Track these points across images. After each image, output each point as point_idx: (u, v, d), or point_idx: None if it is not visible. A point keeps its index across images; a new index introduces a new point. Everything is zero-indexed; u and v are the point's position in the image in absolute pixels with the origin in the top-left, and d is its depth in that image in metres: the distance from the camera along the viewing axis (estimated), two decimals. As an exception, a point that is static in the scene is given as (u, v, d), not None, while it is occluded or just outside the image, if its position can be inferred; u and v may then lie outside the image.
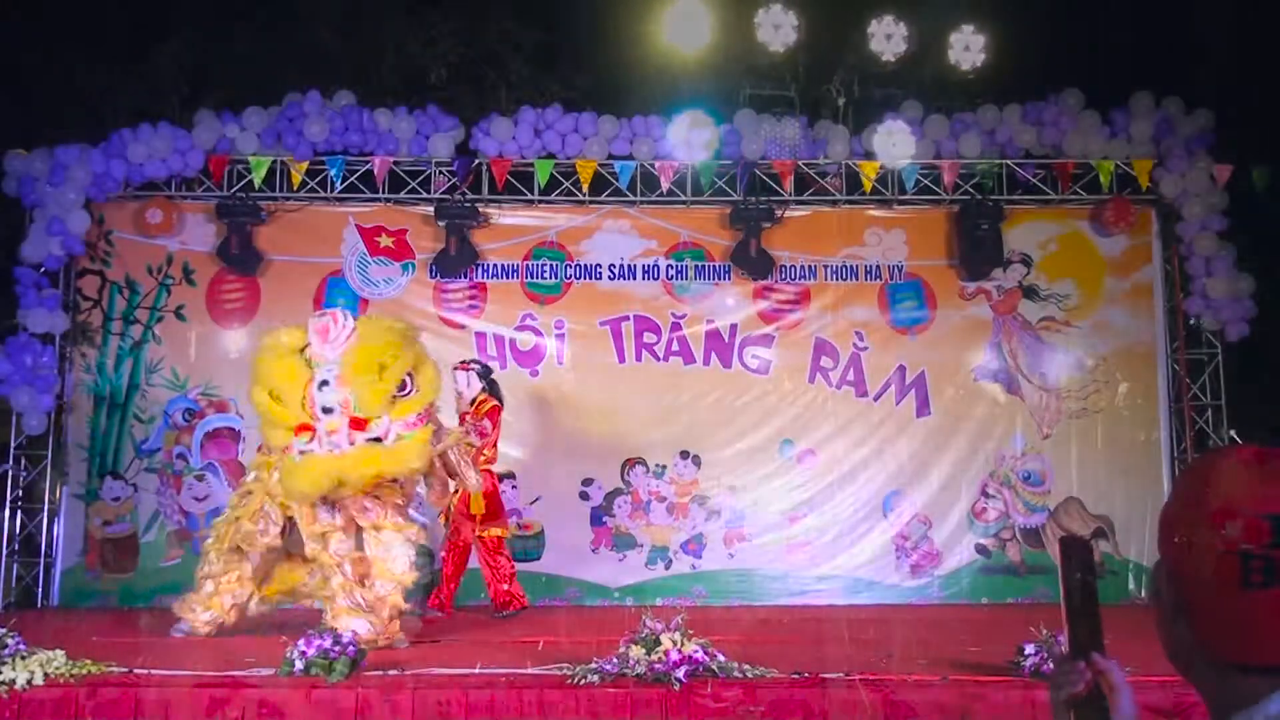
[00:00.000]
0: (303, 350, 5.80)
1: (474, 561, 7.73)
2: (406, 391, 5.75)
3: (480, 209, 9.28)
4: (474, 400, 7.78)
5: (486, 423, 7.67)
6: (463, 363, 7.97)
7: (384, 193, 9.31)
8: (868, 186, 9.18)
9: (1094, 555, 1.58)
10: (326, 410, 5.57)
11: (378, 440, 5.61)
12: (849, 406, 9.35)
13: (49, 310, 8.78)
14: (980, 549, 9.20)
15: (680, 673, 4.23)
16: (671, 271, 9.44)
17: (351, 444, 5.53)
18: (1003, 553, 9.18)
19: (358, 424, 5.58)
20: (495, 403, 7.87)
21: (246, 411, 9.11)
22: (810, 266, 9.47)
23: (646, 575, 9.13)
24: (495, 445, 7.82)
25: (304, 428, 5.58)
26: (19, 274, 8.77)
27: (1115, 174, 9.24)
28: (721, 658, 4.38)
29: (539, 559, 9.00)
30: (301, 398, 5.64)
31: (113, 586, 8.91)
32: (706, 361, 9.37)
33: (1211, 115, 9.14)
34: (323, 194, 9.29)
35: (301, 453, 5.55)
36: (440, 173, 9.28)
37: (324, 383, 5.62)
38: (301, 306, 9.27)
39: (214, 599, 6.34)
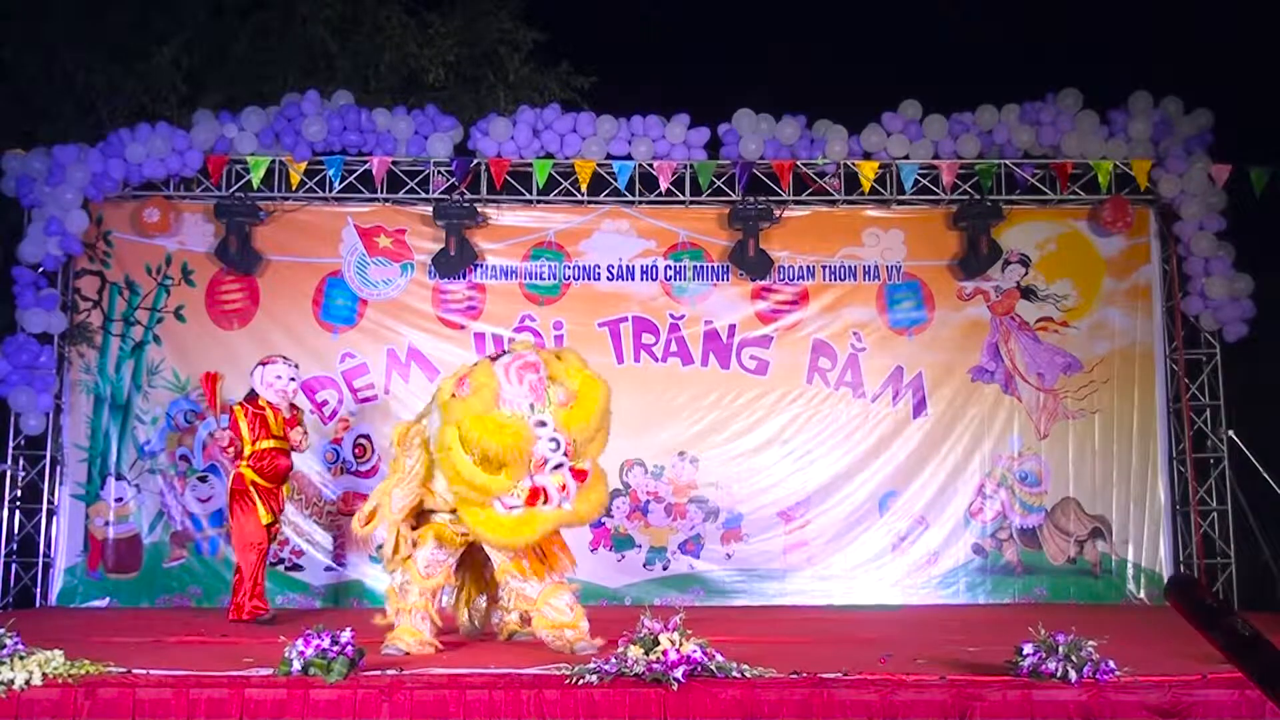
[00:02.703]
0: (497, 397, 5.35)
1: None
2: None
3: (479, 209, 9.29)
4: None
5: None
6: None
7: (382, 193, 9.31)
8: (866, 187, 9.18)
9: (1205, 587, 1.54)
10: (556, 467, 5.28)
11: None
12: (847, 407, 9.35)
13: (47, 310, 8.78)
14: (977, 549, 9.21)
15: (679, 673, 4.22)
16: (670, 272, 9.45)
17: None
18: (1000, 553, 9.19)
19: (580, 475, 5.39)
20: None
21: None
22: (809, 267, 9.47)
23: (645, 575, 9.14)
24: None
25: (536, 494, 5.26)
26: (17, 274, 8.77)
27: (1114, 174, 9.25)
28: (720, 658, 4.37)
29: (537, 559, 8.99)
30: (527, 458, 5.24)
31: (113, 587, 8.91)
32: (705, 362, 9.37)
33: (1210, 115, 9.16)
34: (321, 194, 9.30)
35: (511, 509, 5.26)
36: (439, 173, 9.28)
37: (542, 423, 5.29)
38: (301, 307, 9.31)
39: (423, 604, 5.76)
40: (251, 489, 7.47)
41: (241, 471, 7.48)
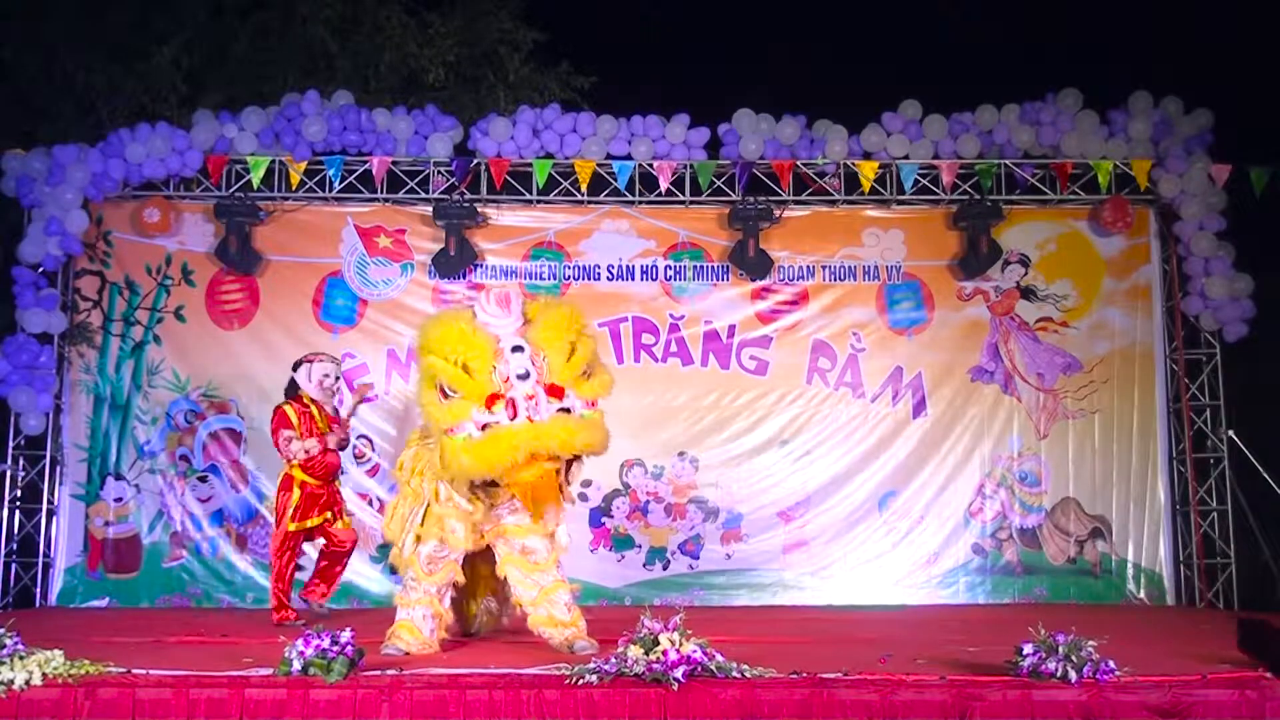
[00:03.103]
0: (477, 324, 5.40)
1: None
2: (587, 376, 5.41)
3: (479, 209, 9.29)
4: None
5: None
6: None
7: (382, 193, 9.31)
8: (866, 187, 9.18)
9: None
10: (522, 376, 5.18)
11: (567, 411, 5.23)
12: (846, 407, 9.36)
13: (47, 310, 8.78)
14: (977, 549, 9.21)
15: (678, 673, 4.22)
16: (670, 272, 9.45)
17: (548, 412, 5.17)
18: (999, 553, 9.19)
19: (554, 391, 5.21)
20: None
21: (248, 413, 9.16)
22: (809, 267, 9.48)
23: (644, 575, 9.14)
24: None
25: (495, 398, 5.14)
26: (17, 274, 8.77)
27: (1114, 174, 9.25)
28: (720, 658, 4.37)
29: (537, 559, 8.99)
30: (492, 366, 5.22)
31: (113, 587, 8.92)
32: (705, 362, 9.38)
33: (1210, 115, 9.16)
34: (321, 194, 9.30)
35: (483, 427, 5.13)
36: (439, 173, 9.28)
37: (518, 348, 5.25)
38: (301, 307, 9.31)
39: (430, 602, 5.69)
40: (296, 490, 7.28)
41: (291, 473, 7.30)
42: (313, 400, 7.40)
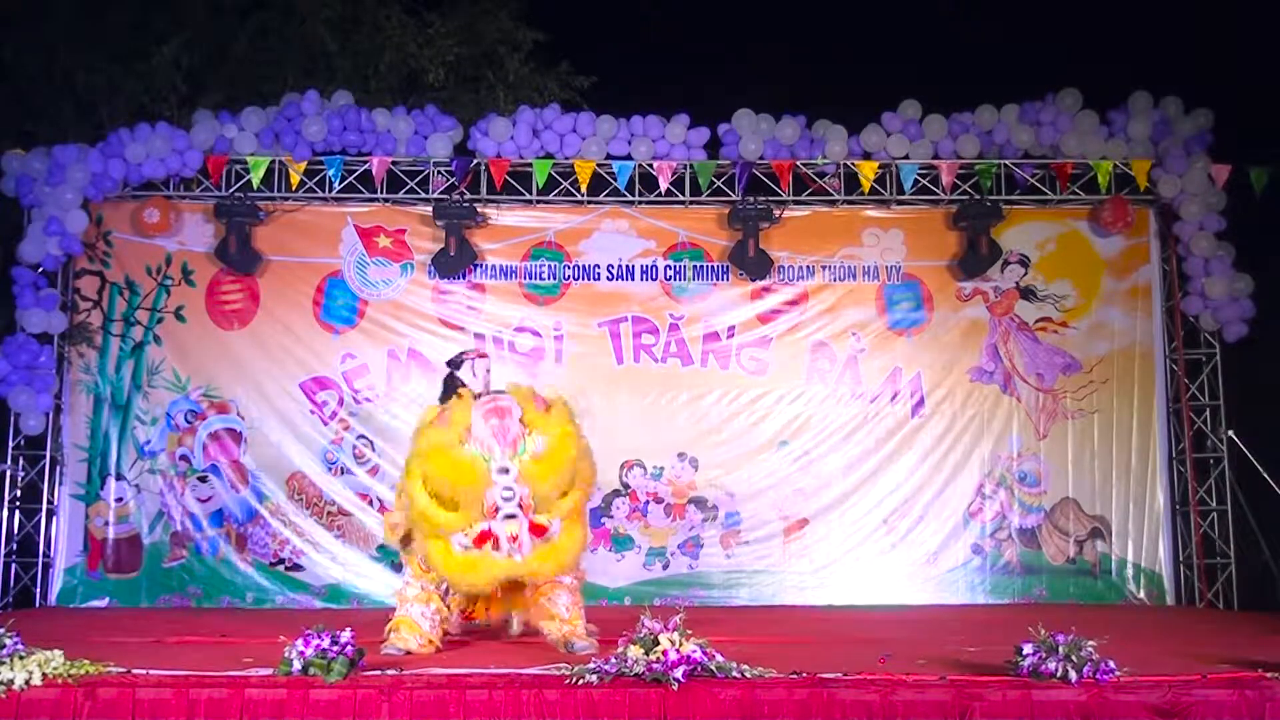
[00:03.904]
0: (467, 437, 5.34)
1: None
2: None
3: (479, 209, 9.29)
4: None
5: None
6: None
7: (382, 193, 9.31)
8: (866, 187, 9.19)
9: None
10: (509, 517, 5.21)
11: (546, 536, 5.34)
12: (846, 408, 9.35)
13: (46, 310, 8.78)
14: (977, 549, 9.21)
15: (678, 673, 4.22)
16: (670, 272, 9.45)
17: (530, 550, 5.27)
18: (999, 553, 9.19)
19: (537, 530, 5.28)
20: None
21: (248, 413, 9.17)
22: (808, 267, 9.48)
23: (644, 575, 9.14)
24: None
25: (485, 537, 5.21)
26: (17, 274, 8.77)
27: (1113, 174, 9.25)
28: (720, 658, 4.37)
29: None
30: (482, 500, 5.23)
31: (113, 587, 8.92)
32: (704, 363, 9.38)
33: (1210, 115, 9.16)
34: (321, 194, 9.30)
35: (465, 548, 5.24)
36: (438, 173, 9.28)
37: (504, 470, 5.23)
38: (301, 307, 9.31)
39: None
40: None
41: None
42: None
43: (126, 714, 4.29)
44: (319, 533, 9.08)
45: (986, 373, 9.38)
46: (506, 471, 5.23)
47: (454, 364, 7.45)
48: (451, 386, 7.37)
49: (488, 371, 7.30)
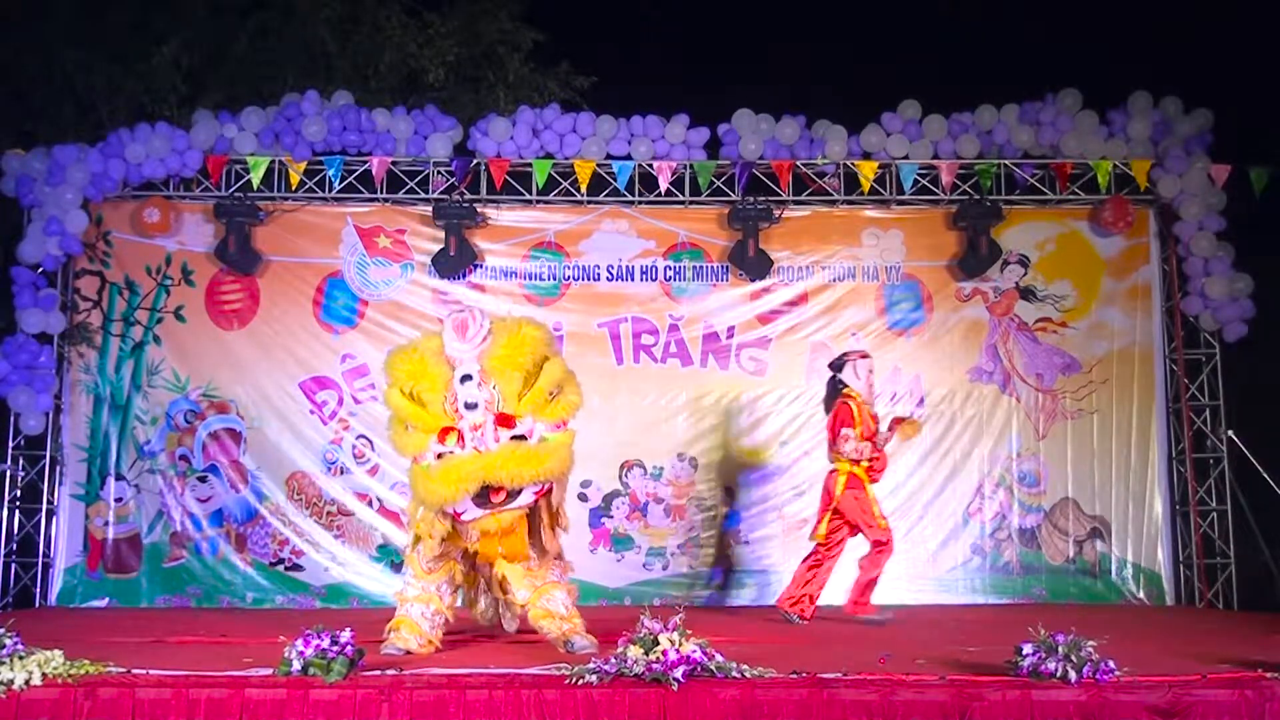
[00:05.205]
0: (439, 353, 5.34)
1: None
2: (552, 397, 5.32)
3: (478, 209, 9.29)
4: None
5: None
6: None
7: (382, 193, 9.31)
8: (866, 187, 9.19)
9: None
10: (470, 406, 5.15)
11: (522, 439, 5.18)
12: (847, 407, 9.34)
13: (45, 310, 8.78)
14: (976, 549, 9.21)
15: (678, 673, 4.22)
16: (669, 272, 9.45)
17: (497, 442, 5.12)
18: (999, 553, 9.19)
19: (504, 420, 5.16)
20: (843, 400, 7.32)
21: (248, 413, 9.16)
22: (808, 267, 9.48)
23: (644, 575, 9.14)
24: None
25: (447, 431, 5.13)
26: (16, 274, 8.77)
27: (1113, 174, 9.25)
28: (720, 658, 4.37)
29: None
30: (444, 397, 5.21)
31: (113, 587, 8.92)
32: (704, 363, 9.38)
33: (1210, 115, 9.16)
34: (321, 194, 9.30)
35: (439, 456, 5.14)
36: (438, 173, 9.28)
37: (466, 377, 5.19)
38: (301, 307, 9.31)
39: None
40: (867, 490, 7.21)
41: (855, 472, 7.19)
42: (861, 400, 7.27)
43: (126, 714, 4.29)
44: (319, 533, 9.08)
45: (986, 373, 9.38)
46: (470, 378, 5.20)
47: (836, 367, 7.43)
48: (835, 390, 7.36)
49: (870, 372, 7.36)
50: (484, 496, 5.12)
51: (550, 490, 5.34)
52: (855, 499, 7.22)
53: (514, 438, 5.16)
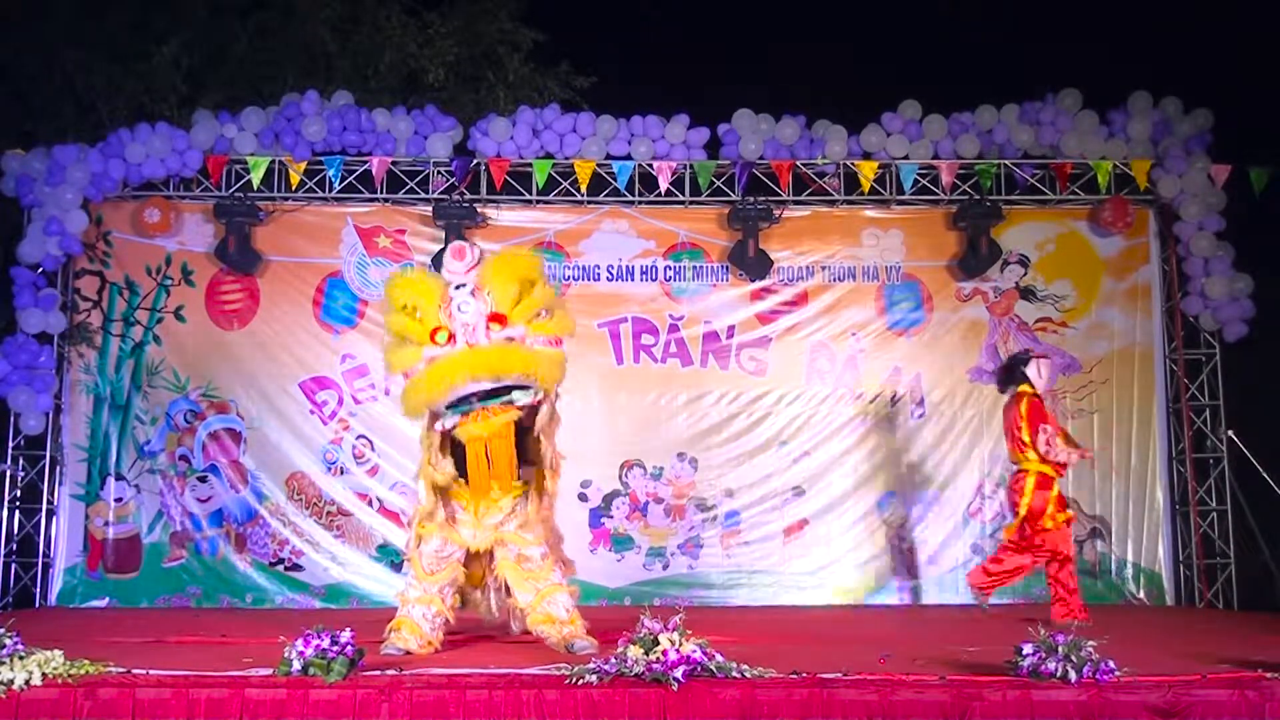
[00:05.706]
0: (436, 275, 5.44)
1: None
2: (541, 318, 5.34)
3: (478, 209, 9.29)
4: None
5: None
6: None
7: (382, 193, 9.32)
8: (866, 187, 9.19)
9: None
10: (463, 309, 5.15)
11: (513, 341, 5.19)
12: (845, 408, 9.35)
13: (45, 310, 8.78)
14: (976, 549, 9.20)
15: (678, 673, 4.22)
16: (670, 272, 9.45)
17: (489, 339, 5.12)
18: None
19: (496, 318, 5.16)
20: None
21: (247, 413, 9.16)
22: (808, 267, 9.48)
23: (645, 575, 9.14)
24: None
25: (438, 329, 5.12)
26: (16, 274, 8.77)
27: (1113, 174, 9.25)
28: (720, 658, 4.37)
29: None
30: (439, 305, 5.20)
31: (113, 587, 8.92)
32: (704, 363, 9.38)
33: (1210, 115, 9.16)
34: (321, 194, 9.30)
35: (431, 359, 5.12)
36: (438, 173, 9.28)
37: (460, 285, 5.23)
38: (301, 307, 9.31)
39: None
40: (1054, 488, 7.12)
41: (1044, 471, 7.11)
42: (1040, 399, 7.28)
43: (126, 714, 4.28)
44: (318, 533, 9.08)
45: (986, 373, 9.37)
46: (464, 285, 5.25)
47: (1021, 360, 7.43)
48: (1012, 375, 7.34)
49: (1050, 373, 7.50)
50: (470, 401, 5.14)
51: (541, 404, 5.31)
52: (1039, 495, 7.11)
53: (506, 339, 5.18)
